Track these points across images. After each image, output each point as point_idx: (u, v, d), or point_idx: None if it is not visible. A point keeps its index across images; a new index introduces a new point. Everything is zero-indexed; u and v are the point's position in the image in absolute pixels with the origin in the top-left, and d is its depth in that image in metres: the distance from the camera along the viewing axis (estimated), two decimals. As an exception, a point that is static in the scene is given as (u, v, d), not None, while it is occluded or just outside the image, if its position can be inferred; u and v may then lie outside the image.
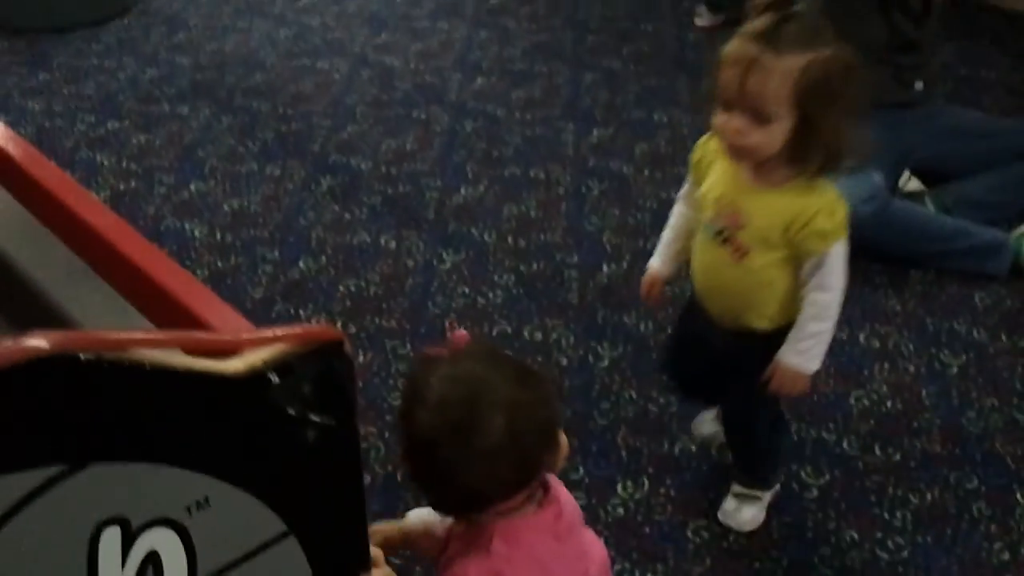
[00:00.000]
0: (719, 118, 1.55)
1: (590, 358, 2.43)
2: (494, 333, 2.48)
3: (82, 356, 0.70)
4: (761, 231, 1.64)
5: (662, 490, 2.09)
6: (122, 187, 3.01)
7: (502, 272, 2.70)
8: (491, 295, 2.62)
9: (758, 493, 2.00)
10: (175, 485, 0.80)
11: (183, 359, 0.77)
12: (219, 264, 2.70)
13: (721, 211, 1.67)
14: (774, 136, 1.53)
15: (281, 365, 0.83)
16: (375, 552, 1.03)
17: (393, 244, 2.78)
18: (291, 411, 0.85)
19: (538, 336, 2.49)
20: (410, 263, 2.71)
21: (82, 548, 0.76)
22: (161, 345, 0.75)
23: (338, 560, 0.98)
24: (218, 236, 2.81)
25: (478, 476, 1.10)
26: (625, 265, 2.74)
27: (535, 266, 2.73)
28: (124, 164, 3.14)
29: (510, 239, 2.83)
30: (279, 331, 0.84)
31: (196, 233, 2.82)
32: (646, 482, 2.11)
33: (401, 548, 1.37)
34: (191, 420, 0.79)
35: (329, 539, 0.95)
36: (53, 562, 0.75)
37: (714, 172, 1.71)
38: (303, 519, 0.91)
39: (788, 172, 1.60)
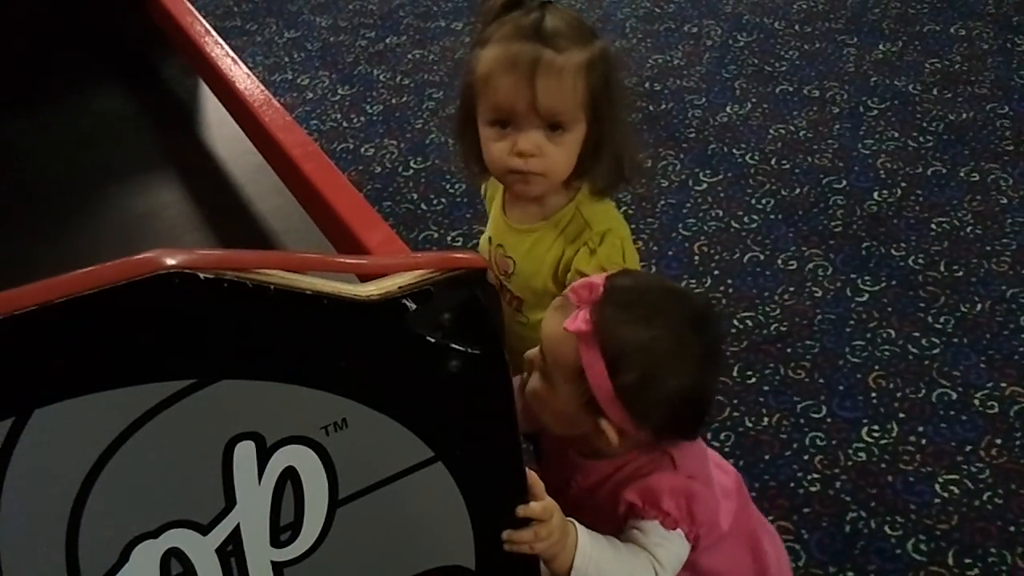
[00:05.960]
0: (499, 145, 1.23)
1: (848, 291, 2.27)
2: (745, 260, 2.37)
3: (201, 275, 0.71)
4: (527, 277, 1.34)
5: (912, 438, 1.94)
6: (394, 101, 3.11)
7: (761, 195, 2.57)
8: (746, 219, 2.50)
9: None
10: (309, 405, 0.80)
11: (312, 282, 0.76)
12: (476, 179, 2.74)
13: (494, 256, 1.39)
14: (571, 150, 1.24)
15: (419, 292, 0.81)
16: (534, 482, 1.00)
17: (649, 162, 2.70)
18: (430, 339, 0.83)
19: (792, 264, 2.35)
20: (664, 183, 2.63)
21: (215, 459, 0.78)
22: (290, 267, 0.75)
23: (492, 488, 0.96)
24: (478, 151, 2.84)
25: None
26: (899, 192, 2.53)
27: (797, 190, 2.57)
28: (398, 79, 3.23)
29: (773, 161, 2.68)
30: (419, 257, 0.82)
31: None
32: (894, 428, 1.96)
33: None
34: (323, 342, 0.79)
35: (481, 467, 0.94)
36: (188, 471, 0.78)
37: (493, 208, 1.42)
38: (451, 446, 0.90)
39: (561, 199, 1.30)
